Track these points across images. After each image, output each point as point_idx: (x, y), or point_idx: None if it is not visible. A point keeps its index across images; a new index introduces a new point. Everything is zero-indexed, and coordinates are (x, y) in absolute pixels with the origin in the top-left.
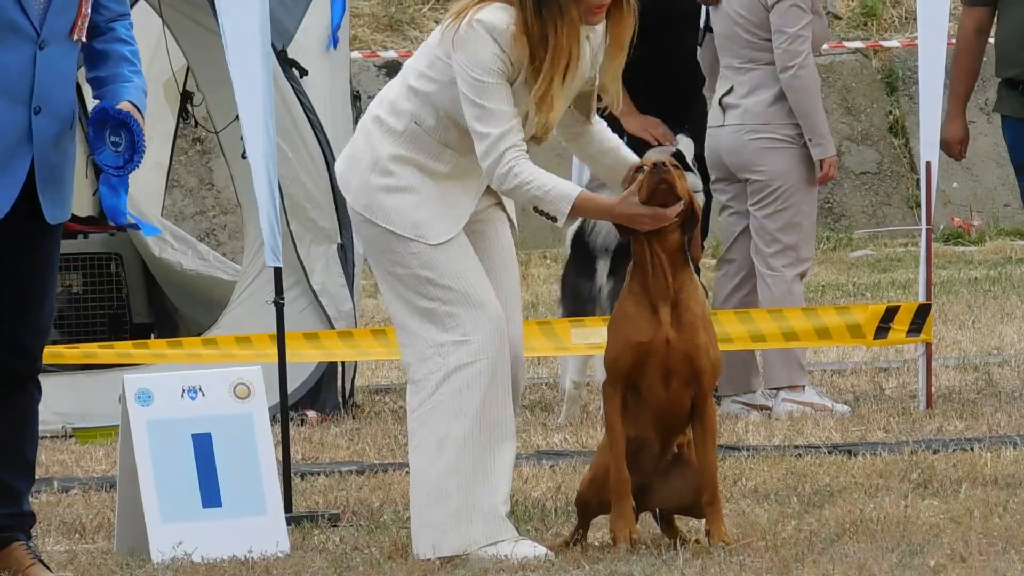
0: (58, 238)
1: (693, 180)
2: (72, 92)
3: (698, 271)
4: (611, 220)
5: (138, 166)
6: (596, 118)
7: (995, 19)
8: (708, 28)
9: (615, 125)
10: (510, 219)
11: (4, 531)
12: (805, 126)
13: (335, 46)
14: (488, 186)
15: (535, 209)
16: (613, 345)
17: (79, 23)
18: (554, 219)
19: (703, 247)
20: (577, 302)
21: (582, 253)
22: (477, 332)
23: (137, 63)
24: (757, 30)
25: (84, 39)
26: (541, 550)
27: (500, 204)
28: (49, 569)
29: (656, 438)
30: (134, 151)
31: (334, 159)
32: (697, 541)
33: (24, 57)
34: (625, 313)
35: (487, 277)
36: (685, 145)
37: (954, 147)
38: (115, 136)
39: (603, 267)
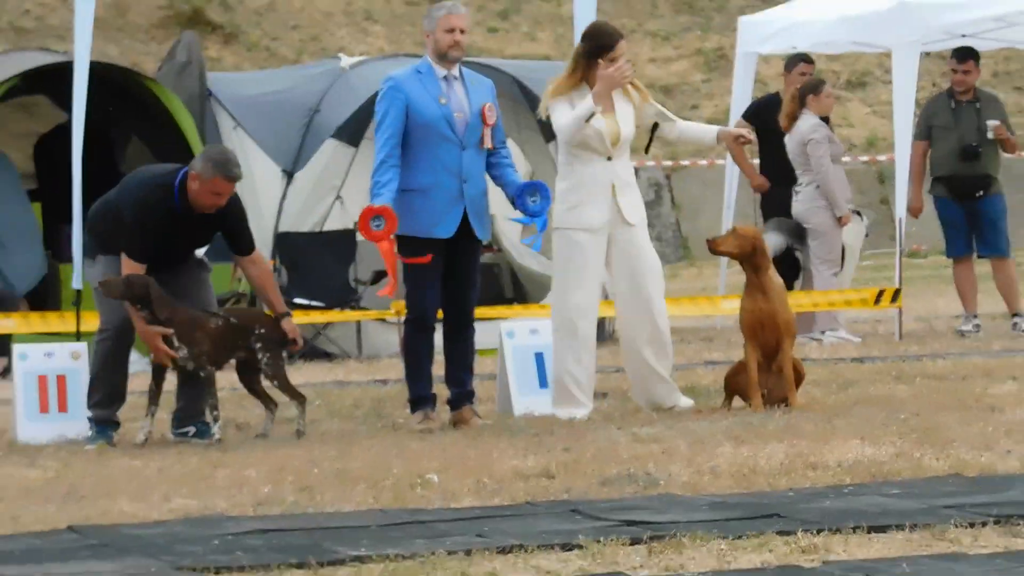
0: (479, 249)
1: (775, 240)
2: (484, 168)
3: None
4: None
5: (547, 209)
6: (673, 120)
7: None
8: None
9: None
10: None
11: (460, 399)
12: (830, 200)
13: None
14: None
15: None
16: (742, 313)
17: (485, 140)
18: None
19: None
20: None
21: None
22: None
23: (513, 166)
24: (803, 156)
25: (490, 147)
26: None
27: None
28: (480, 417)
29: (764, 360)
30: (546, 202)
31: None
32: (786, 404)
33: (455, 155)
34: (745, 297)
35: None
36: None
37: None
38: (532, 196)
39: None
